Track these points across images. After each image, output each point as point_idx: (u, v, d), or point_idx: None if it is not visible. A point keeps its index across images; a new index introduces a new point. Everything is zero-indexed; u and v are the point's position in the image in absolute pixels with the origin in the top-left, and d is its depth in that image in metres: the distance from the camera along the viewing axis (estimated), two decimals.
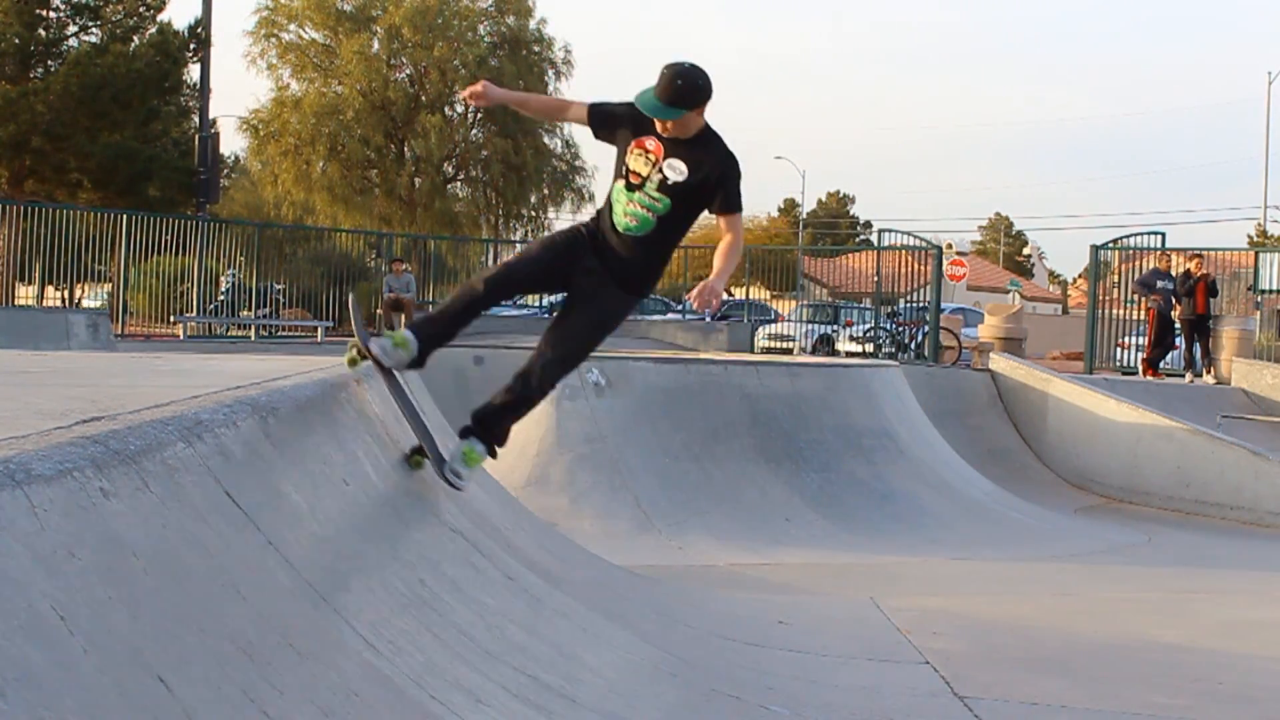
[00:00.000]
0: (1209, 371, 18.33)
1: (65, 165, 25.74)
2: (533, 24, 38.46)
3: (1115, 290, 22.03)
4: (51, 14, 26.66)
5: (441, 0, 36.78)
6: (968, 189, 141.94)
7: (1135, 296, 20.40)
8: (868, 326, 24.00)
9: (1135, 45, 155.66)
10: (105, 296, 23.38)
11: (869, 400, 12.31)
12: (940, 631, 6.29)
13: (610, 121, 4.71)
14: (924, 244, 23.07)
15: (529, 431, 10.47)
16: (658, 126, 4.56)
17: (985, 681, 5.24)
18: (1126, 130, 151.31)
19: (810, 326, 26.18)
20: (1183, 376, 18.55)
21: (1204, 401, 16.54)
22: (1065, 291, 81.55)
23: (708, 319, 24.93)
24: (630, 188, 4.59)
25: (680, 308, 29.15)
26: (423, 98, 37.71)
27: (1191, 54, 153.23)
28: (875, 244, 25.56)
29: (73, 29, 27.16)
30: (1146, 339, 19.17)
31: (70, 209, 21.26)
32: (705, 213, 4.78)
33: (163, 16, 27.25)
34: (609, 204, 4.67)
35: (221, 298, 23.19)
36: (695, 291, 4.51)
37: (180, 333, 20.48)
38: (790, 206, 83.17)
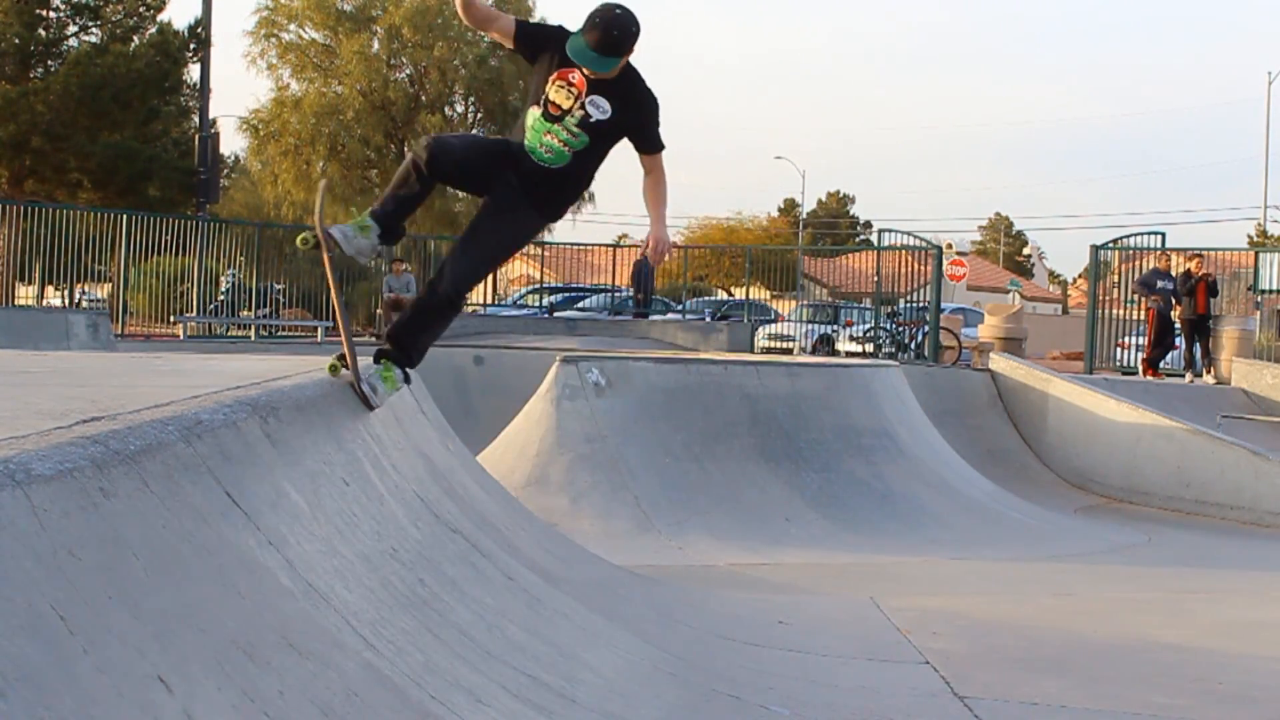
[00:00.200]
0: (1209, 371, 18.33)
1: (65, 165, 25.75)
2: None
3: (1115, 290, 22.03)
4: (51, 14, 26.68)
5: (441, 0, 36.81)
6: (968, 189, 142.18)
7: (1135, 296, 20.41)
8: (868, 326, 24.00)
9: (1135, 45, 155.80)
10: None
11: (869, 400, 12.31)
12: (940, 631, 6.29)
13: (535, 42, 4.60)
14: (924, 244, 23.07)
15: (529, 431, 10.48)
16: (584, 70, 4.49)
17: (985, 681, 5.24)
18: (1126, 130, 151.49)
19: (810, 326, 26.16)
20: (1183, 376, 18.56)
21: (1204, 401, 16.54)
22: (1065, 291, 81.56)
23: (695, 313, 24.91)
24: (549, 118, 4.52)
25: (680, 308, 29.16)
26: (423, 98, 37.73)
27: (1191, 54, 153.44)
28: (875, 244, 25.56)
29: (73, 29, 27.20)
30: (1146, 339, 19.18)
31: (70, 209, 21.25)
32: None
33: (163, 16, 27.33)
34: (522, 128, 4.59)
35: (221, 298, 23.17)
36: (650, 249, 4.59)
37: (180, 333, 20.47)
38: (790, 206, 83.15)
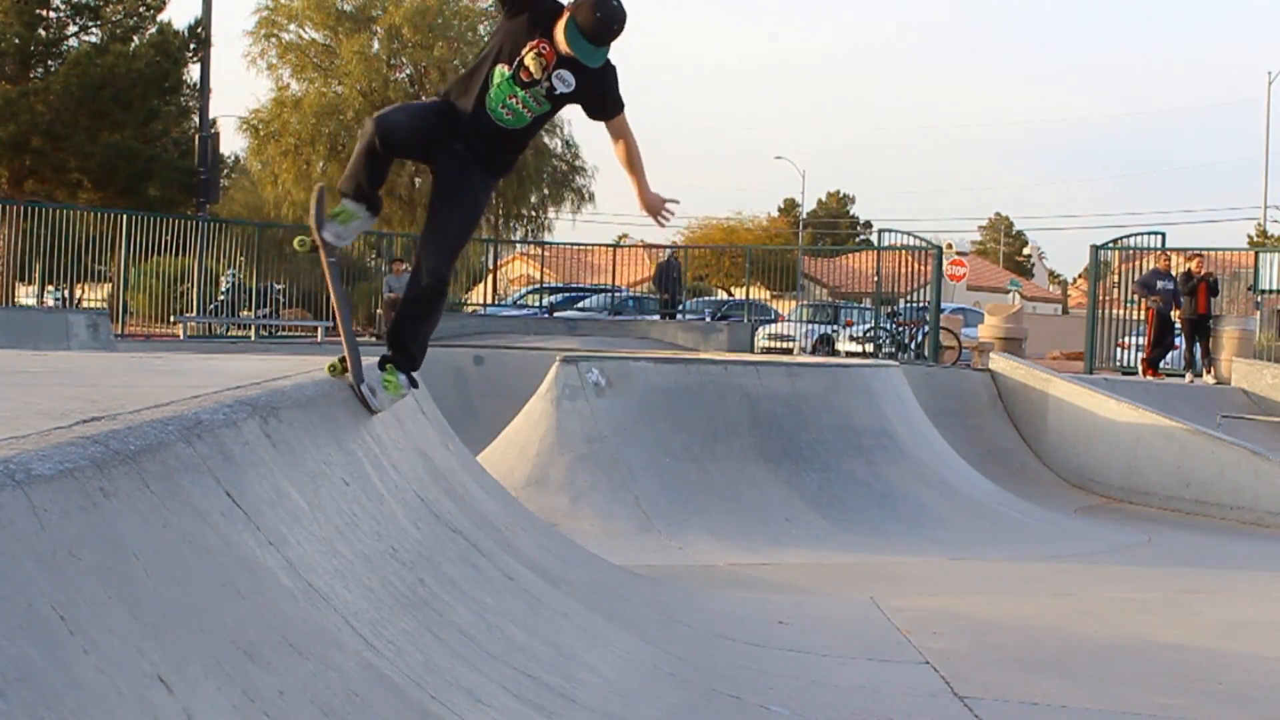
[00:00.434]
0: (1209, 371, 18.34)
1: (65, 165, 25.74)
2: None
3: (1115, 290, 22.03)
4: (51, 14, 26.68)
5: (441, 0, 36.80)
6: (968, 189, 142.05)
7: (1135, 296, 20.41)
8: (868, 326, 24.00)
9: (1135, 45, 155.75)
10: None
11: (869, 400, 12.31)
12: (940, 631, 6.29)
13: (523, 5, 4.59)
14: (924, 244, 23.07)
15: (529, 431, 10.48)
16: (560, 47, 4.50)
17: (985, 681, 5.24)
18: (1126, 130, 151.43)
19: (810, 326, 26.16)
20: (1183, 376, 18.56)
21: (1204, 401, 16.54)
22: (1065, 291, 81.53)
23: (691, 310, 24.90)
24: (518, 82, 4.55)
25: (680, 308, 29.17)
26: (423, 98, 37.73)
27: (1191, 54, 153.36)
28: (875, 244, 25.56)
29: (73, 29, 27.19)
30: (1146, 339, 19.18)
31: (70, 209, 21.25)
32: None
33: (163, 16, 27.31)
34: (485, 83, 4.58)
35: (221, 298, 23.18)
36: (649, 211, 4.72)
37: (180, 333, 20.48)
38: (790, 206, 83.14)
